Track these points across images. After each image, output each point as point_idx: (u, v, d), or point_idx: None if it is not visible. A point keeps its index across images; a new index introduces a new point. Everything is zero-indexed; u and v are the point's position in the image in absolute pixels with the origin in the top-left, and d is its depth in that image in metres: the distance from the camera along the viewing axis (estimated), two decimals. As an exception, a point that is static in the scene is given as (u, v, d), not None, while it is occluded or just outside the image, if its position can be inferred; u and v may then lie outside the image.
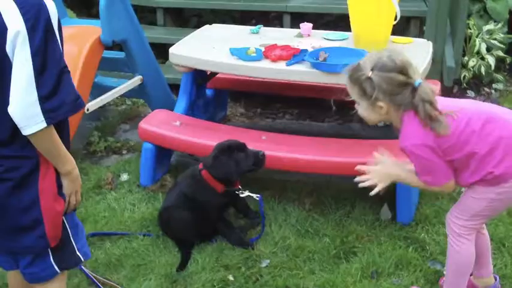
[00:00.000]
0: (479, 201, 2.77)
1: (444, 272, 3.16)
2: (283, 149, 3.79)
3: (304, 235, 3.61)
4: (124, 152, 4.68)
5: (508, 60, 5.73)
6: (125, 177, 4.24)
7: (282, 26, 5.87)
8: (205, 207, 3.51)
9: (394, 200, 3.69)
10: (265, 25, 4.70)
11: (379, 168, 2.88)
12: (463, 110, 2.70)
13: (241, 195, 3.55)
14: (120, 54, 4.81)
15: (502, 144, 2.64)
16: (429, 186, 2.76)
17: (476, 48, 5.50)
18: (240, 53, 3.99)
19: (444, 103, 2.70)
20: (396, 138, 3.60)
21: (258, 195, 3.55)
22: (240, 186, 3.56)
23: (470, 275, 3.07)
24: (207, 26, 4.75)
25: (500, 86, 5.64)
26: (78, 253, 2.50)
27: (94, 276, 3.25)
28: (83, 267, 3.31)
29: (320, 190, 4.01)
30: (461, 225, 2.83)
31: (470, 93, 5.49)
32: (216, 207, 3.54)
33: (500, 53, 5.58)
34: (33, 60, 2.10)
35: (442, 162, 2.68)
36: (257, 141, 3.85)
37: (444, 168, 2.69)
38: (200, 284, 3.21)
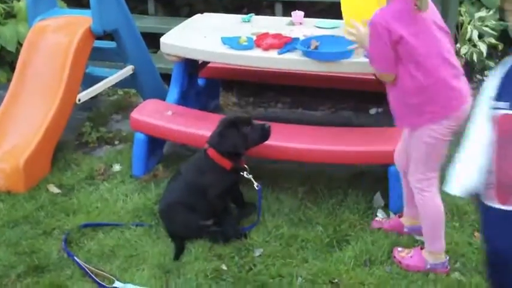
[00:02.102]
0: (419, 147, 3.07)
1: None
2: (277, 138, 3.78)
3: (297, 224, 3.61)
4: (116, 142, 4.67)
5: (500, 47, 5.72)
6: (117, 167, 4.23)
7: (273, 15, 5.85)
8: (212, 190, 3.46)
9: (387, 188, 3.69)
10: (257, 14, 4.68)
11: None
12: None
13: (246, 176, 3.53)
14: (111, 44, 4.80)
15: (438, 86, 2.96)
16: (371, 64, 3.06)
17: (468, 35, 5.49)
18: (232, 42, 3.97)
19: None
20: (388, 126, 3.62)
21: (258, 185, 3.55)
22: (246, 166, 3.55)
23: (400, 216, 3.54)
24: (198, 15, 4.73)
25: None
26: None
27: (87, 267, 3.25)
28: (76, 258, 3.32)
29: (313, 179, 4.01)
30: (418, 179, 3.12)
31: (462, 80, 5.47)
32: (223, 188, 3.50)
33: (492, 40, 5.57)
34: None
35: (391, 54, 2.91)
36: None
37: (390, 59, 2.93)
38: (193, 274, 3.21)
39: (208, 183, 3.47)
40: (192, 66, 4.47)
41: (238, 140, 3.46)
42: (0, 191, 3.98)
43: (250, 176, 3.54)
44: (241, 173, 3.53)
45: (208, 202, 3.47)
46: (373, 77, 4.07)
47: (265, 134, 3.54)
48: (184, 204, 3.48)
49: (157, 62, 5.19)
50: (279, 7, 5.91)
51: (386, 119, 4.78)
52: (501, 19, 5.74)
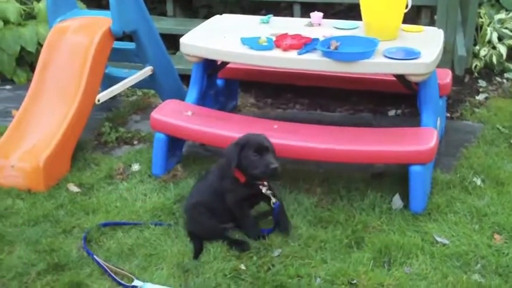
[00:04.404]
0: None
1: None
2: (295, 138, 3.79)
3: (316, 224, 3.60)
4: (135, 142, 4.69)
5: (520, 49, 5.71)
6: (136, 167, 4.25)
7: (292, 16, 5.85)
8: (229, 197, 3.43)
9: (406, 189, 3.68)
10: (275, 15, 4.69)
11: None
12: None
13: (263, 190, 3.41)
14: (131, 45, 4.81)
15: None
16: None
17: (487, 38, 5.49)
18: (252, 43, 3.98)
19: None
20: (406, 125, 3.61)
21: (276, 202, 3.45)
22: (265, 182, 3.43)
23: None
24: (217, 16, 4.74)
25: (511, 75, 5.61)
26: None
27: (106, 266, 3.26)
28: (95, 256, 3.33)
29: (331, 180, 4.01)
30: None
31: (481, 82, 5.46)
32: (236, 198, 3.43)
33: (512, 42, 5.56)
34: None
35: None
36: (269, 130, 3.84)
37: None
38: (212, 273, 3.21)
39: (226, 189, 3.45)
40: (211, 67, 4.47)
41: (234, 162, 3.32)
42: (20, 189, 4.00)
43: (269, 192, 3.44)
44: (260, 187, 3.42)
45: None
46: (394, 78, 4.08)
47: (267, 172, 3.29)
48: (206, 206, 3.47)
49: (177, 63, 5.21)
50: (297, 8, 5.91)
51: (405, 121, 4.81)
52: (521, 21, 5.72)
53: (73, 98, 4.28)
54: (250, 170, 3.32)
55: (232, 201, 3.45)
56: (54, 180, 4.08)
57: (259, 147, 3.33)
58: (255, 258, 3.33)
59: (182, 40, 4.22)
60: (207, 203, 3.48)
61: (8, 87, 5.84)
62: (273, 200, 3.45)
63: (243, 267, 3.27)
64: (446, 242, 3.43)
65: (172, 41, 5.60)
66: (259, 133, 3.46)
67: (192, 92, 4.39)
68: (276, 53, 3.90)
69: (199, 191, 3.57)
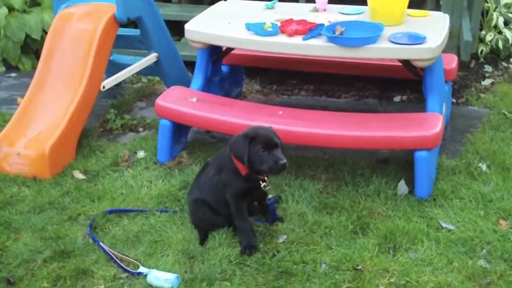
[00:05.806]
0: None
1: None
2: (300, 124, 3.78)
3: (321, 211, 3.60)
4: (140, 129, 4.69)
5: (526, 34, 5.67)
6: (141, 154, 4.25)
7: (297, 2, 5.82)
8: (229, 190, 3.32)
9: (411, 175, 3.68)
10: (280, 0, 4.67)
11: None
12: None
13: (262, 186, 3.31)
14: (135, 32, 4.81)
15: None
16: None
17: (493, 22, 5.45)
18: (256, 28, 3.97)
19: None
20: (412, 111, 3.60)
21: (271, 199, 3.42)
22: (266, 178, 3.34)
23: None
24: (222, 2, 4.73)
25: (518, 60, 5.59)
26: None
27: (112, 252, 3.27)
28: (101, 243, 3.34)
29: (336, 166, 4.00)
30: None
31: (487, 67, 5.44)
32: (239, 191, 3.32)
33: (518, 27, 5.53)
34: None
35: None
36: (274, 116, 3.85)
37: None
38: (217, 260, 3.22)
39: (226, 181, 3.36)
40: (215, 53, 4.47)
41: (243, 154, 3.19)
42: (26, 177, 4.01)
43: (267, 188, 3.34)
44: (261, 183, 3.31)
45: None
46: (399, 63, 4.06)
47: (274, 167, 3.16)
48: (206, 202, 3.41)
49: (181, 50, 5.21)
50: (302, -6, 5.88)
51: (411, 107, 4.79)
52: (528, 6, 5.68)
53: (78, 85, 4.28)
54: (257, 165, 3.19)
55: (231, 195, 3.33)
56: (60, 167, 4.09)
57: (268, 142, 3.18)
58: (260, 244, 3.33)
59: (187, 26, 4.21)
60: (207, 198, 3.42)
61: (13, 74, 5.85)
62: (269, 196, 3.40)
63: (248, 253, 3.28)
64: (452, 227, 3.42)
65: (177, 28, 5.58)
66: (267, 126, 3.34)
67: (197, 79, 4.39)
68: (281, 38, 3.89)
69: (199, 186, 3.50)
